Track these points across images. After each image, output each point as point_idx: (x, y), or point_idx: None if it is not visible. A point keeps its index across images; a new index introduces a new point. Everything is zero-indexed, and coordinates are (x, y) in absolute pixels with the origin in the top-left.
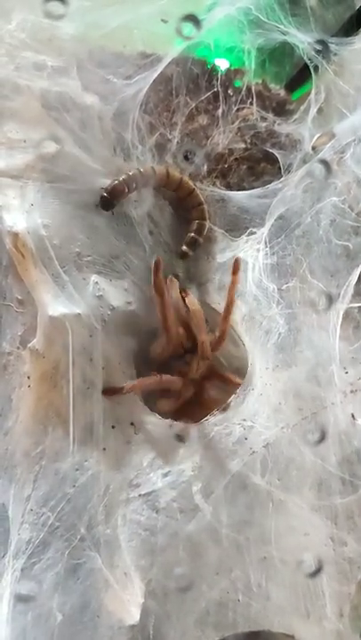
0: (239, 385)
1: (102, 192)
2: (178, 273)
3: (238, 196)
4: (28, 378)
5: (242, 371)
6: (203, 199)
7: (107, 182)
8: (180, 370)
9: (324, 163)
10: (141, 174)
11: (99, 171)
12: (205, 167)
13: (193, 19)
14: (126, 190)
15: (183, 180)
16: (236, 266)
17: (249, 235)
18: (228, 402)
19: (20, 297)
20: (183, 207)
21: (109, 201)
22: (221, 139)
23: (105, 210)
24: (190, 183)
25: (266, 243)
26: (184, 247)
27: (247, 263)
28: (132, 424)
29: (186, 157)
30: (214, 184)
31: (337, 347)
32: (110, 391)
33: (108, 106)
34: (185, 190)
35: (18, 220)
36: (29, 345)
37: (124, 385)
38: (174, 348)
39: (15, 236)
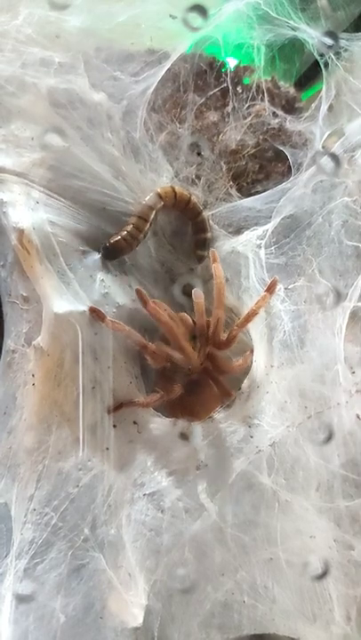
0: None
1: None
2: (182, 272)
3: (247, 201)
4: (33, 376)
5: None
6: (200, 208)
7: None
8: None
9: (334, 157)
10: (142, 221)
11: (106, 169)
12: (214, 163)
13: (200, 9)
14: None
15: (177, 192)
16: (214, 256)
17: (252, 231)
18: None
19: (25, 294)
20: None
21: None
22: (231, 136)
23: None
24: (185, 193)
25: (271, 242)
26: (198, 251)
27: (248, 258)
28: (134, 423)
29: (197, 153)
30: (227, 190)
31: (342, 346)
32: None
33: (116, 104)
34: (182, 203)
35: (24, 217)
36: (34, 342)
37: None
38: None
39: (21, 232)
